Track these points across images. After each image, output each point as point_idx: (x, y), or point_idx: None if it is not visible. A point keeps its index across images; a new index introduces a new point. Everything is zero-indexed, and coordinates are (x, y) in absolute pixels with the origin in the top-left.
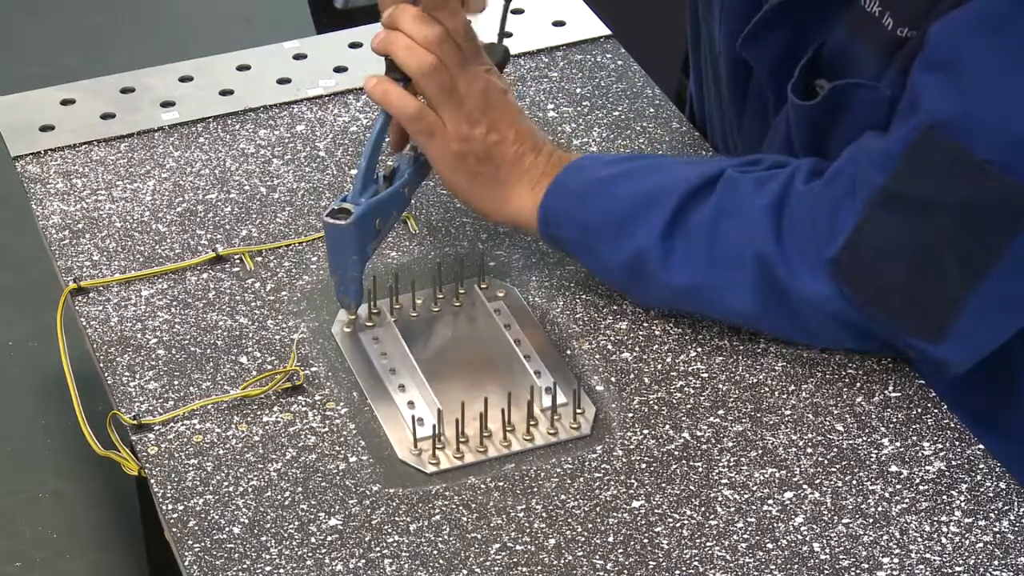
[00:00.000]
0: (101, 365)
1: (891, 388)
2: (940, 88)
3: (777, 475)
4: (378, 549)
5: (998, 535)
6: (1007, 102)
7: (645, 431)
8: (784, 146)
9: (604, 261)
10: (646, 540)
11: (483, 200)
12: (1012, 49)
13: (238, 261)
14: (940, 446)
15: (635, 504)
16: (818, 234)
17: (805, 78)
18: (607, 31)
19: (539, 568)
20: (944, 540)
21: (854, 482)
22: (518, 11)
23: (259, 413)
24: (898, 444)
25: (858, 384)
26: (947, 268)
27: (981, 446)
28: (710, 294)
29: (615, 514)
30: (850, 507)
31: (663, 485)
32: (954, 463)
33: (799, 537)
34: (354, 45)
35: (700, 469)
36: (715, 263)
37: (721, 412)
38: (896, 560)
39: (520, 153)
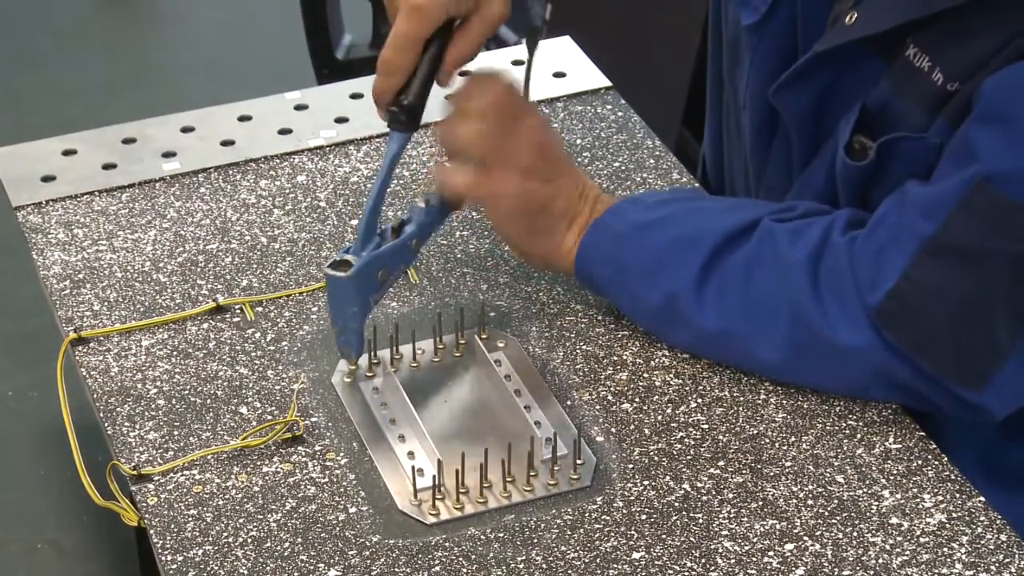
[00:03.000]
0: (101, 415)
1: (891, 440)
2: (995, 141)
3: (778, 527)
4: None
5: None
6: None
7: (645, 482)
8: (819, 197)
9: (638, 301)
10: None
11: (537, 249)
12: None
13: (238, 311)
14: (941, 498)
15: (635, 555)
16: (860, 283)
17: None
18: (607, 82)
19: None
20: None
21: (855, 534)
22: (519, 62)
23: (259, 463)
24: (899, 496)
25: (858, 436)
26: (995, 318)
27: (982, 498)
28: (740, 341)
29: (615, 565)
30: (851, 559)
31: (663, 536)
32: (955, 515)
33: None
34: (355, 96)
35: (700, 520)
36: (748, 311)
37: (721, 463)
38: None
39: (571, 201)
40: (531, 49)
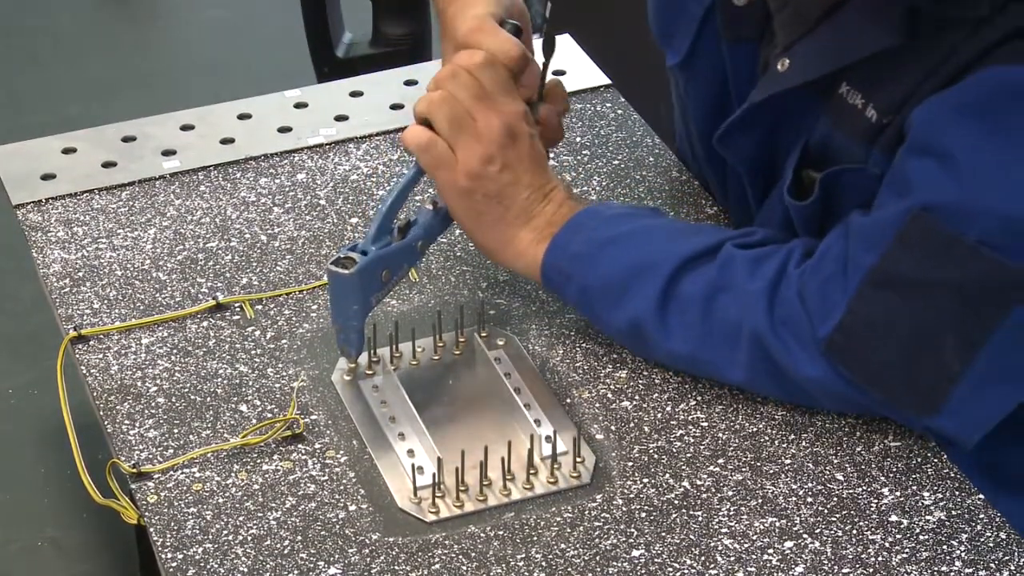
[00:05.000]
0: (101, 413)
1: (891, 437)
2: (928, 173)
3: (777, 524)
4: None
5: None
6: (994, 185)
7: (645, 480)
8: (780, 227)
9: (606, 324)
10: None
11: (486, 238)
12: (995, 133)
13: (238, 309)
14: (940, 496)
15: (635, 553)
16: (811, 315)
17: (794, 173)
18: (607, 80)
19: None
20: None
21: (854, 531)
22: None
23: (259, 461)
24: (898, 494)
25: (858, 433)
26: (944, 345)
27: (981, 496)
28: (707, 364)
29: (615, 563)
30: (850, 557)
31: (663, 534)
32: (954, 513)
33: None
34: (355, 94)
35: (700, 518)
36: (710, 338)
37: (721, 461)
38: None
39: (531, 199)
40: (547, 54)
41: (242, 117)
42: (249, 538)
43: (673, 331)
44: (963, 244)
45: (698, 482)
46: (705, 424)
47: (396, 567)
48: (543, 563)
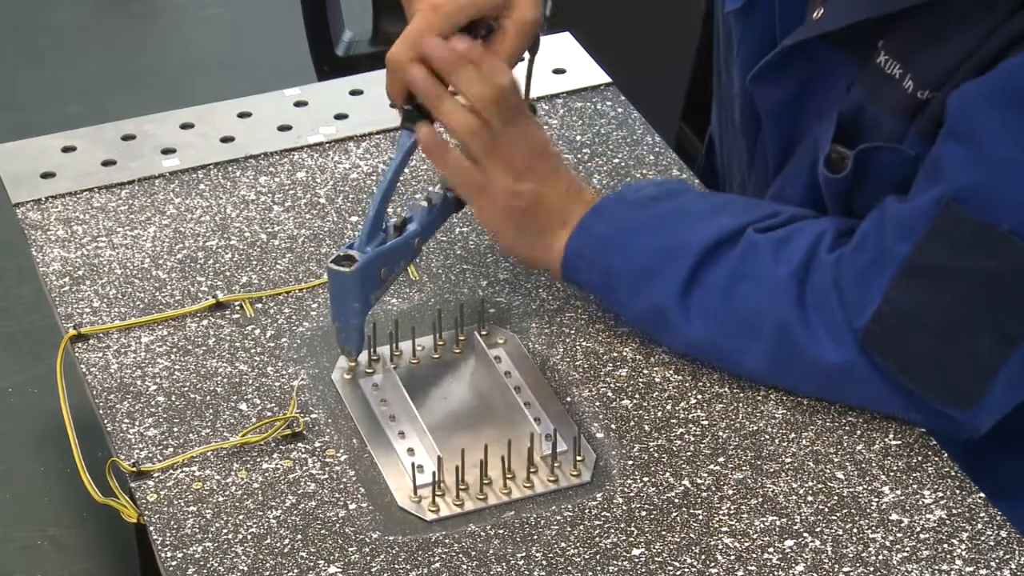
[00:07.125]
0: (101, 412)
1: (891, 436)
2: (962, 159)
3: (778, 523)
4: None
5: None
6: (1022, 174)
7: (645, 478)
8: (800, 204)
9: (627, 308)
10: None
11: (528, 249)
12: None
13: (238, 308)
14: (941, 494)
15: (635, 552)
16: (847, 304)
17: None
18: (607, 79)
19: None
20: None
21: (855, 530)
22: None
23: (259, 460)
24: (899, 492)
25: (858, 432)
26: (978, 337)
27: (982, 494)
28: (727, 352)
29: (615, 562)
30: (851, 555)
31: (663, 533)
32: (955, 511)
33: None
34: (355, 92)
35: (700, 517)
36: (731, 325)
37: (721, 460)
38: None
39: (565, 205)
40: (532, 50)
41: (242, 115)
42: (249, 537)
43: (695, 316)
44: (995, 233)
45: (698, 481)
46: (705, 423)
47: (396, 566)
48: (543, 562)
